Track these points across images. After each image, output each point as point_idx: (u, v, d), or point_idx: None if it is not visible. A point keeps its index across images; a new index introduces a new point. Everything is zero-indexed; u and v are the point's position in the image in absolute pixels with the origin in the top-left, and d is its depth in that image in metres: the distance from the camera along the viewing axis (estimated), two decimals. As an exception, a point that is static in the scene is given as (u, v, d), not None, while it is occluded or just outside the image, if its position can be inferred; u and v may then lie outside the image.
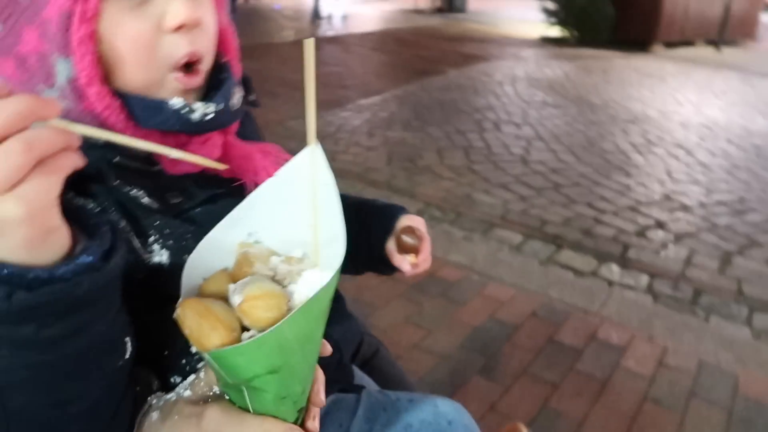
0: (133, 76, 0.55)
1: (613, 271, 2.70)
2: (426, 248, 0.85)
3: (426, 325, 2.16)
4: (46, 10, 0.50)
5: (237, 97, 0.63)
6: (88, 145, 0.46)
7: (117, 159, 0.56)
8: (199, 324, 0.43)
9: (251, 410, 0.46)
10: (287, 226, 0.51)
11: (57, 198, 0.39)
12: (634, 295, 2.51)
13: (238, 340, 0.43)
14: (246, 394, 0.45)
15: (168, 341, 0.55)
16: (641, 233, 3.05)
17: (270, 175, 0.52)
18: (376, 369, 0.94)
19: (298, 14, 11.64)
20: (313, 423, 0.50)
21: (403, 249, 0.84)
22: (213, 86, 0.62)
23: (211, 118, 0.58)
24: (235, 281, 0.47)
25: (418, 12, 13.84)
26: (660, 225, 3.16)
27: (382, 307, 2.26)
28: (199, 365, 0.53)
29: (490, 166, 3.88)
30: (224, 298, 0.46)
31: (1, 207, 0.36)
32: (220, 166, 0.48)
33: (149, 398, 0.52)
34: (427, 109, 5.19)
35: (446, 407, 0.77)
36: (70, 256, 0.42)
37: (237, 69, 0.66)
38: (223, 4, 0.64)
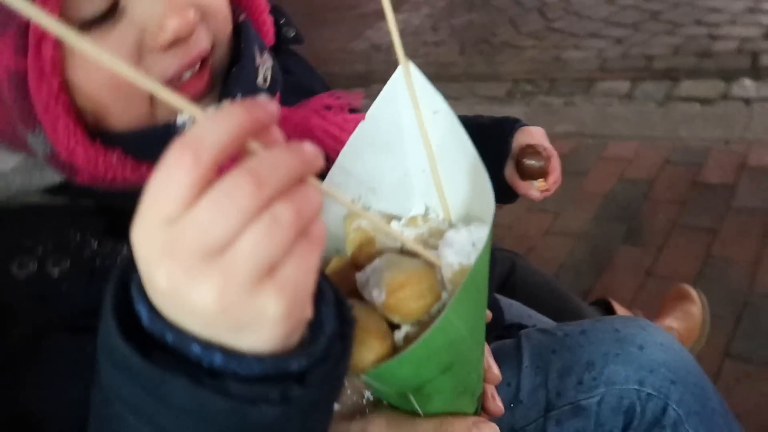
0: (120, 118, 0.43)
1: (747, 86, 2.34)
2: (555, 167, 0.72)
3: (552, 208, 2.01)
4: None
5: (265, 69, 0.49)
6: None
7: None
8: None
9: (422, 414, 0.38)
10: (397, 179, 0.40)
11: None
12: (779, 105, 2.18)
13: (393, 345, 0.34)
14: (413, 398, 0.37)
15: None
16: (770, 34, 2.62)
17: (333, 137, 0.41)
18: (518, 286, 0.84)
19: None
20: (495, 402, 0.41)
21: (528, 173, 0.71)
22: (234, 61, 0.49)
23: None
24: (358, 267, 0.37)
25: None
26: (791, 17, 2.69)
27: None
28: None
29: (573, 18, 3.49)
30: (351, 292, 0.36)
31: (258, 300, 0.25)
32: None
33: None
34: (485, -20, 4.75)
35: (629, 328, 0.64)
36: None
37: (262, 19, 0.52)
38: None
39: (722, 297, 1.45)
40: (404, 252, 0.38)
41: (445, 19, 4.23)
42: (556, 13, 3.64)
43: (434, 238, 0.37)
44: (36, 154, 0.42)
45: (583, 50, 3.08)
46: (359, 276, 0.36)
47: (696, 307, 1.30)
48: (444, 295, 0.34)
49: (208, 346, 0.26)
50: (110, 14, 0.39)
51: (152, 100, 0.44)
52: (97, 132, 0.43)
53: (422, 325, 0.34)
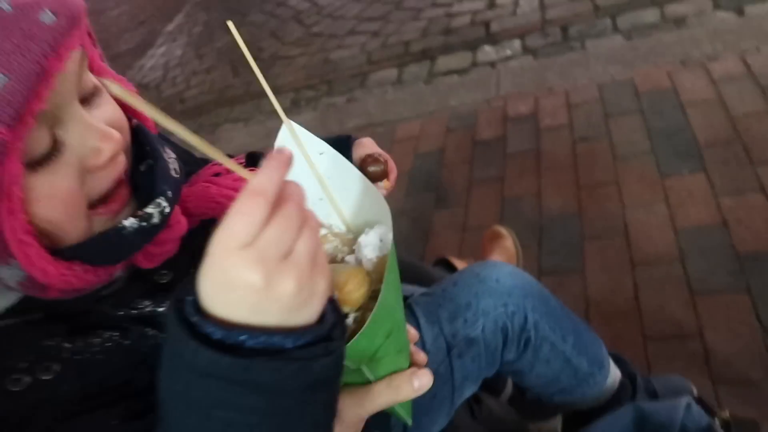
0: (71, 233, 0.47)
1: (488, 52, 2.76)
2: (393, 167, 0.83)
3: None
4: None
5: (173, 161, 0.56)
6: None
7: (102, 293, 0.51)
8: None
9: (373, 380, 0.47)
10: None
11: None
12: (517, 62, 2.60)
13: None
14: (366, 370, 0.46)
15: None
16: (492, 4, 3.08)
17: (232, 199, 0.49)
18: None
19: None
20: (420, 355, 0.52)
21: (373, 179, 0.82)
22: (138, 156, 0.54)
23: (170, 208, 0.52)
24: None
25: None
26: (502, -13, 3.19)
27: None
28: None
29: (329, 20, 3.73)
30: None
31: (313, 280, 0.37)
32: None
33: None
34: (234, -1, 4.80)
35: (485, 270, 0.82)
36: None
37: (143, 116, 0.57)
38: (103, 63, 0.54)
39: (522, 228, 1.74)
40: (334, 261, 0.47)
41: (206, 45, 4.21)
42: (311, 19, 3.84)
43: (346, 246, 0.47)
44: (6, 286, 0.45)
45: (347, 48, 3.32)
46: None
47: (508, 241, 1.56)
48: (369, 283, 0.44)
49: (271, 332, 0.36)
50: (54, 150, 0.44)
51: (88, 213, 0.48)
52: (52, 250, 0.45)
53: (363, 309, 0.43)
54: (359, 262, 0.45)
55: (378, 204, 0.45)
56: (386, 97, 2.77)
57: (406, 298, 0.85)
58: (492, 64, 2.67)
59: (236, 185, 0.61)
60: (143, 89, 4.01)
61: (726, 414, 0.76)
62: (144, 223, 0.50)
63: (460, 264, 1.39)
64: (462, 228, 1.90)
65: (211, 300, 0.36)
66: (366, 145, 0.83)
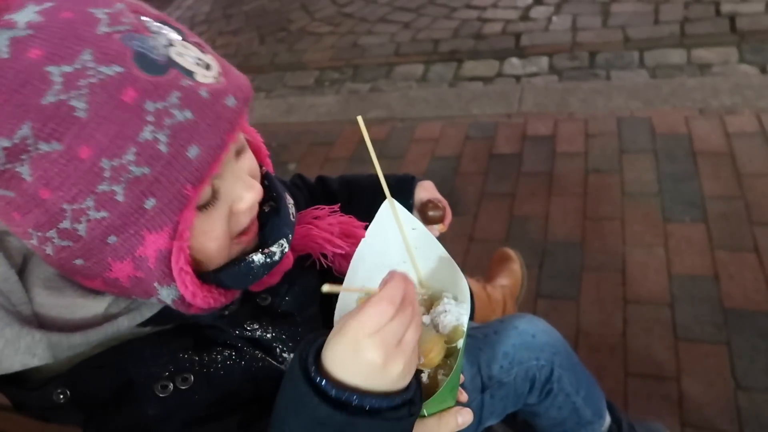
0: (215, 262, 0.57)
1: (515, 64, 2.82)
2: (449, 213, 0.92)
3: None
4: (139, 250, 0.49)
5: (291, 206, 0.66)
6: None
7: (225, 312, 0.61)
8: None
9: (426, 414, 0.56)
10: (387, 271, 0.57)
11: None
12: (541, 80, 2.67)
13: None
14: (424, 409, 0.55)
15: None
16: (525, 16, 3.13)
17: (330, 242, 0.58)
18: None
19: None
20: (463, 394, 0.62)
21: (431, 222, 0.90)
22: (264, 198, 0.63)
23: (288, 247, 0.62)
24: None
25: None
26: (538, 1, 3.24)
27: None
28: None
29: (361, 3, 3.75)
30: None
31: (393, 362, 0.47)
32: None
33: None
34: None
35: (524, 324, 0.95)
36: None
37: (267, 162, 0.68)
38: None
39: (527, 249, 1.83)
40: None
41: (235, 6, 4.21)
42: (345, -2, 3.86)
43: (422, 306, 0.57)
44: (160, 300, 0.55)
45: (377, 35, 3.36)
46: None
47: (516, 264, 1.65)
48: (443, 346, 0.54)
49: (372, 395, 0.47)
50: (213, 198, 0.54)
51: (230, 244, 0.58)
52: (198, 273, 0.55)
53: (435, 367, 0.53)
54: (435, 326, 0.55)
55: (456, 277, 0.54)
56: (410, 92, 2.83)
57: None
58: (517, 78, 2.73)
59: (332, 229, 0.72)
60: (166, 40, 4.01)
61: None
62: (268, 260, 0.60)
63: (469, 282, 1.49)
64: (468, 238, 1.99)
65: (334, 364, 0.47)
66: (427, 189, 0.92)
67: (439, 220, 0.92)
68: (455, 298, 0.56)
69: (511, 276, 1.60)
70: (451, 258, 0.55)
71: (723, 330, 1.50)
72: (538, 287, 1.75)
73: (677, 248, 1.75)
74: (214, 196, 0.53)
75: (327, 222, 0.72)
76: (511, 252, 1.67)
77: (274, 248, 0.60)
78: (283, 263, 0.64)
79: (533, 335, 0.96)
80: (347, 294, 0.57)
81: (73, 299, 0.53)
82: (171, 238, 0.49)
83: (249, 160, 0.60)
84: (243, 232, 0.59)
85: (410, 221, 0.55)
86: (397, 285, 0.48)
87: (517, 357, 0.93)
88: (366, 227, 0.60)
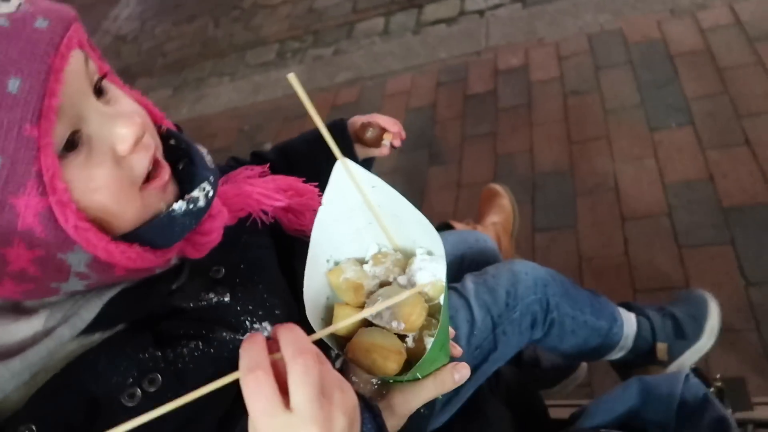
0: (123, 218, 0.51)
1: (477, 0, 2.72)
2: (383, 120, 0.92)
3: (361, 154, 2.21)
4: (19, 223, 0.44)
5: (206, 154, 0.60)
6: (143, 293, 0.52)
7: (173, 287, 0.57)
8: (372, 360, 0.48)
9: (421, 377, 0.53)
10: (352, 235, 0.55)
11: None
12: (505, 11, 2.58)
13: (405, 355, 0.50)
14: (417, 373, 0.51)
15: None
16: (478, -53, 3.01)
17: (267, 196, 0.53)
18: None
19: None
20: (456, 348, 0.58)
21: (372, 142, 0.89)
22: (176, 157, 0.59)
23: (213, 192, 0.56)
24: (357, 305, 0.52)
25: None
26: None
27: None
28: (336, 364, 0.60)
29: (310, -34, 3.61)
30: (363, 323, 0.51)
31: (336, 423, 0.41)
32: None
33: None
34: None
35: (516, 266, 0.97)
36: None
37: (167, 123, 0.62)
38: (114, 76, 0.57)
39: (516, 185, 1.79)
40: (383, 284, 0.52)
41: (182, -8, 4.08)
42: (292, -36, 3.72)
43: (398, 267, 0.52)
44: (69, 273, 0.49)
45: (332, -4, 3.25)
46: (378, 316, 0.50)
47: (504, 198, 1.61)
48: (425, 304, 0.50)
49: None
50: (84, 143, 0.49)
51: (138, 194, 0.53)
52: (113, 238, 0.50)
53: (420, 330, 0.49)
54: (413, 285, 0.50)
55: (426, 231, 0.50)
56: (374, 48, 2.74)
57: (450, 286, 0.93)
58: (480, 13, 2.64)
59: (266, 185, 0.67)
60: (121, 42, 3.90)
61: (719, 383, 0.85)
62: (191, 206, 0.54)
63: (460, 227, 1.45)
64: (457, 185, 1.95)
65: None
66: (354, 122, 0.92)
67: (378, 137, 0.91)
68: (429, 253, 0.52)
69: (502, 211, 1.56)
70: (419, 211, 0.51)
71: (725, 230, 1.47)
72: (534, 222, 1.72)
73: (667, 156, 1.70)
74: (84, 141, 0.49)
75: (262, 181, 0.67)
76: (498, 187, 1.63)
77: (196, 193, 0.55)
78: (217, 218, 0.59)
79: (526, 273, 0.97)
80: (314, 261, 0.52)
81: (5, 325, 0.49)
82: (42, 195, 0.44)
83: (125, 104, 0.55)
84: (150, 179, 0.54)
85: (368, 179, 0.51)
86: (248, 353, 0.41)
87: (518, 294, 0.94)
88: (320, 195, 0.56)
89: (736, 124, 1.69)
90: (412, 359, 0.50)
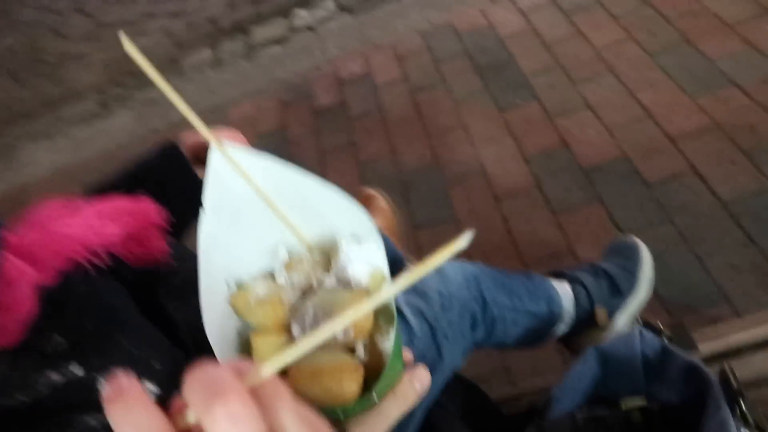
0: None
1: (303, 15, 2.66)
2: (227, 132, 0.79)
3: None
4: None
5: None
6: None
7: None
8: (324, 388, 0.35)
9: (376, 396, 0.41)
10: (254, 246, 0.41)
11: None
12: (335, 23, 2.54)
13: (361, 367, 0.37)
14: (374, 395, 0.39)
15: None
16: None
17: (94, 232, 0.38)
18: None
19: None
20: (408, 354, 0.48)
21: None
22: None
23: None
24: (282, 328, 0.39)
25: None
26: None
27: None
28: None
29: (118, 8, 3.34)
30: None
31: None
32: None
33: None
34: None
35: (446, 266, 0.89)
36: None
37: None
38: None
39: (387, 188, 1.72)
40: (303, 290, 0.39)
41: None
42: (97, 8, 3.42)
43: (320, 267, 0.40)
44: None
45: (149, 35, 3.02)
46: (303, 333, 0.37)
47: (380, 200, 1.54)
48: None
49: None
50: None
51: None
52: None
53: (369, 335, 0.38)
54: (346, 283, 0.39)
55: (348, 210, 0.39)
56: (208, 81, 2.58)
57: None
58: (310, 28, 2.59)
59: (89, 218, 0.49)
60: None
61: (667, 332, 0.83)
62: None
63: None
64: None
65: None
66: (188, 135, 0.79)
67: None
68: (356, 238, 0.41)
69: (381, 213, 1.49)
70: (331, 186, 0.39)
71: (591, 189, 1.53)
72: (413, 220, 1.67)
73: (522, 132, 1.75)
74: None
75: (78, 215, 0.48)
76: (371, 190, 1.56)
77: None
78: (21, 283, 0.42)
79: (454, 271, 0.91)
80: (210, 289, 0.38)
81: None
82: None
83: None
84: None
85: (257, 162, 0.38)
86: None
87: (452, 293, 0.87)
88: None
89: (573, 90, 1.78)
90: (368, 375, 0.39)
